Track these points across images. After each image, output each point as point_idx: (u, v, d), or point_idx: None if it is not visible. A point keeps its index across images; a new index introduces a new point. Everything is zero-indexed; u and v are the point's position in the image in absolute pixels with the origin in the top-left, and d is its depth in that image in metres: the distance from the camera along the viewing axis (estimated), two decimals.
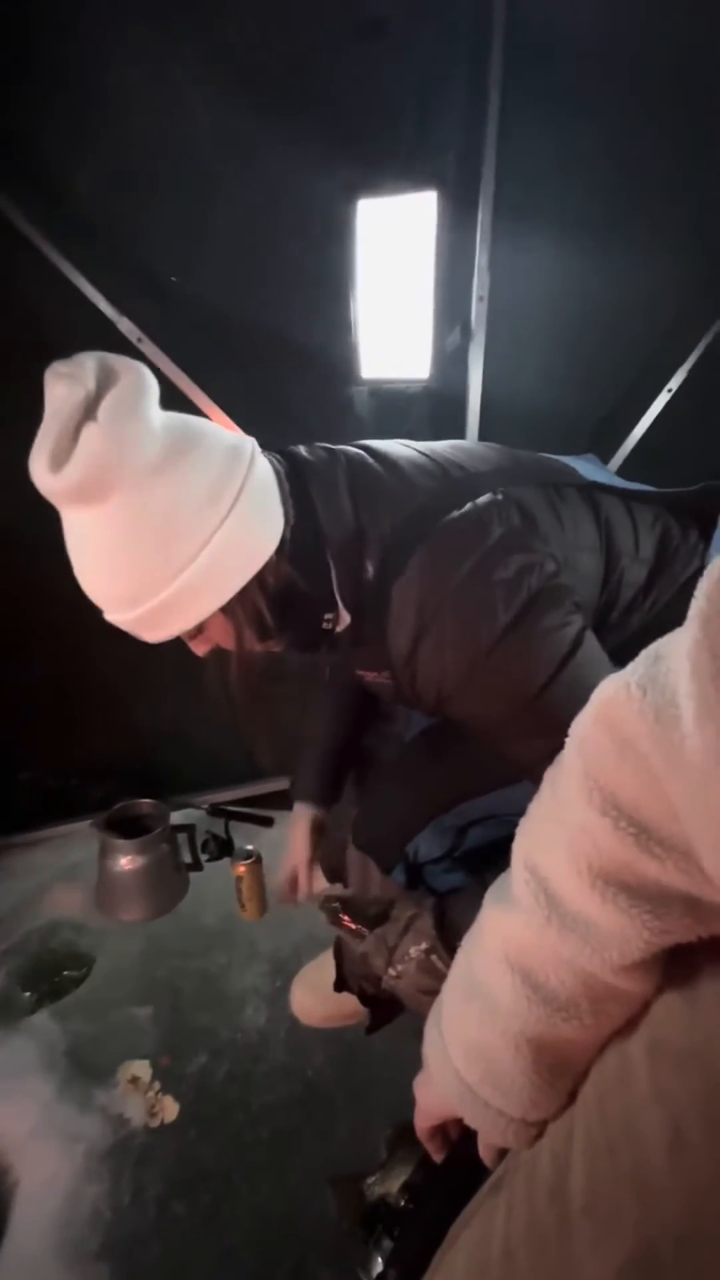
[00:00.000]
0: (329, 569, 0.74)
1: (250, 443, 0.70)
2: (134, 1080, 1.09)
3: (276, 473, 0.72)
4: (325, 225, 1.28)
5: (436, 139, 1.26)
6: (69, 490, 0.61)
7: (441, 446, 0.83)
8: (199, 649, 0.75)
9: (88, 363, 0.61)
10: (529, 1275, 0.39)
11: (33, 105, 1.14)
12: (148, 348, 1.26)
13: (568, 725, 0.40)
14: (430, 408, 1.46)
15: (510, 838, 0.46)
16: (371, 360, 1.40)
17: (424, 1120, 0.55)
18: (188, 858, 1.49)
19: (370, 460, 0.78)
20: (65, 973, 1.29)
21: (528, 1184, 0.42)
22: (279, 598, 0.72)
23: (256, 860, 1.33)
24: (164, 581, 0.64)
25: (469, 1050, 0.46)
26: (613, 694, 0.35)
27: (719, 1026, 0.34)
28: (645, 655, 0.35)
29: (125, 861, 1.37)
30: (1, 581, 1.39)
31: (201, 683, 0.78)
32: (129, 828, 1.42)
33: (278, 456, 0.75)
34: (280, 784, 1.64)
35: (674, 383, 1.43)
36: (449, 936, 0.77)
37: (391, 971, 0.80)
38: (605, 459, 1.47)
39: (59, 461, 0.60)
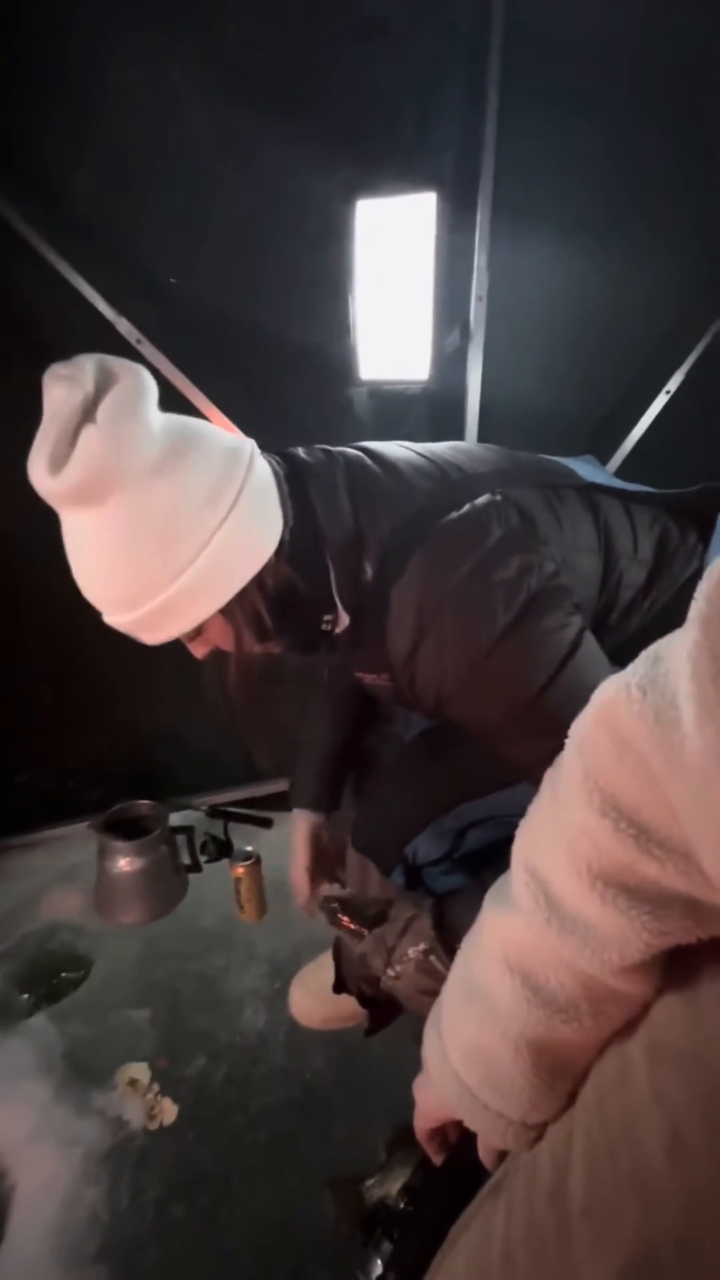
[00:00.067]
0: (328, 570, 0.74)
1: (249, 444, 0.70)
2: (132, 1083, 1.09)
3: (275, 474, 0.72)
4: (324, 226, 1.28)
5: (435, 139, 1.26)
6: (68, 492, 0.61)
7: (440, 448, 0.83)
8: (198, 651, 0.75)
9: (86, 365, 0.61)
10: (529, 1278, 0.39)
11: (31, 105, 1.14)
12: (146, 349, 1.26)
13: (567, 726, 0.40)
14: (429, 409, 1.46)
15: (510, 839, 0.46)
16: (370, 361, 1.40)
17: (423, 1122, 0.55)
18: (186, 859, 1.49)
19: (369, 462, 0.78)
20: (63, 975, 1.28)
21: (527, 1186, 0.42)
22: (278, 599, 0.72)
23: (255, 862, 1.33)
24: (163, 583, 0.64)
25: (468, 1052, 0.46)
26: (613, 695, 0.35)
27: (719, 1028, 0.34)
28: (645, 657, 0.35)
29: (124, 863, 1.37)
30: None
31: (200, 684, 0.78)
32: (127, 829, 1.41)
33: (277, 458, 0.75)
34: (279, 785, 1.64)
35: (672, 384, 1.43)
36: (448, 937, 0.76)
37: (390, 972, 0.80)
38: (604, 460, 1.47)
39: (58, 464, 0.60)
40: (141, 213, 1.24)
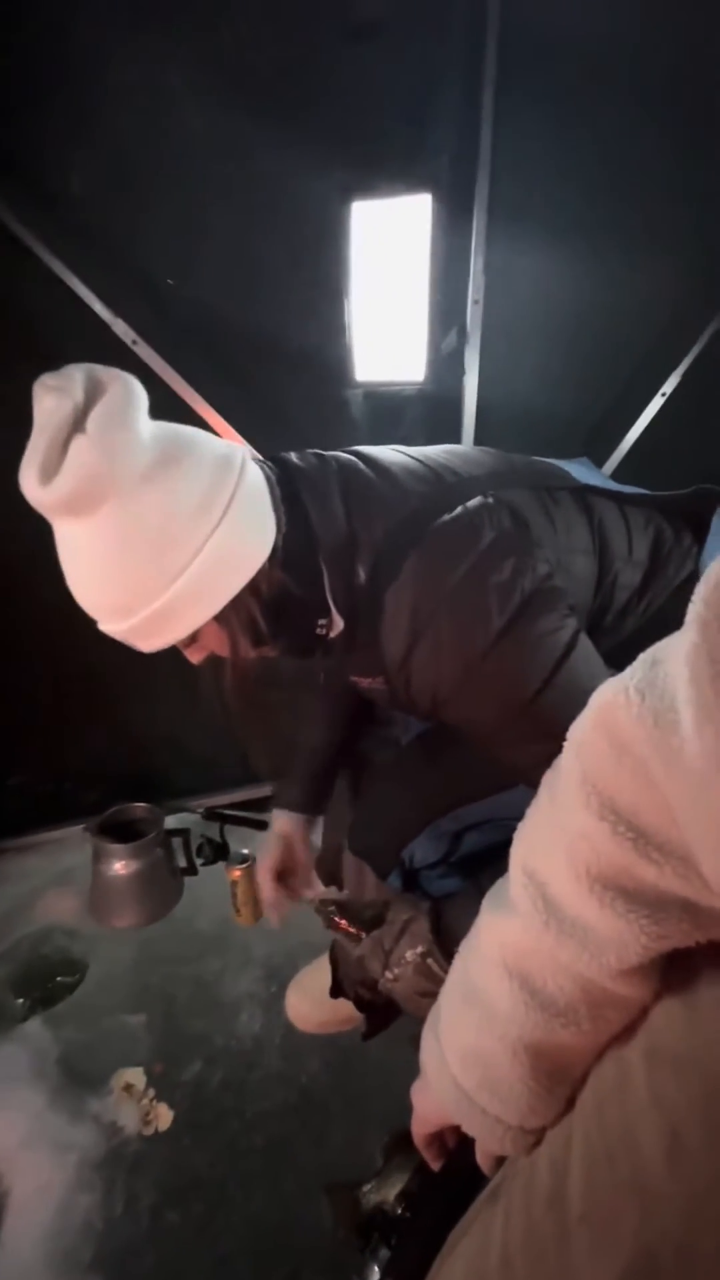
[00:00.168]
0: (322, 575, 0.73)
1: (241, 450, 0.70)
2: (128, 1088, 1.08)
3: (268, 479, 0.72)
4: (320, 227, 1.28)
5: (431, 141, 1.26)
6: (59, 502, 0.61)
7: (434, 451, 0.83)
8: (194, 656, 0.75)
9: (75, 375, 0.61)
10: None
11: (27, 106, 1.14)
12: (142, 350, 1.26)
13: (564, 729, 0.40)
14: (425, 410, 1.46)
15: (507, 843, 0.45)
16: (366, 363, 1.40)
17: (421, 1127, 0.55)
18: (182, 862, 1.48)
19: (362, 466, 0.78)
20: (58, 979, 1.28)
21: (526, 1192, 0.42)
22: (272, 605, 0.71)
23: (252, 865, 1.32)
24: (157, 591, 0.64)
25: (466, 1056, 0.46)
26: (611, 698, 0.35)
27: (717, 1032, 0.34)
28: (643, 659, 0.35)
29: (119, 866, 1.36)
30: None
31: (196, 687, 0.77)
32: (123, 832, 1.41)
33: (269, 463, 0.75)
34: (275, 788, 1.64)
35: (668, 386, 1.44)
36: (445, 940, 0.76)
37: (388, 975, 0.79)
38: (600, 462, 1.47)
39: (48, 474, 0.60)
40: (137, 213, 1.24)
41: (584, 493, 0.86)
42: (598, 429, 1.52)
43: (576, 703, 0.39)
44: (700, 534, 0.91)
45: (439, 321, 1.36)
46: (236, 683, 0.75)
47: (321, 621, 0.76)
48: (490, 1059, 0.44)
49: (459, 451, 0.85)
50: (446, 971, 0.51)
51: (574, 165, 1.29)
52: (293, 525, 0.72)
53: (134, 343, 1.25)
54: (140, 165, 1.21)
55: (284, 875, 1.06)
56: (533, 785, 0.45)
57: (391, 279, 1.32)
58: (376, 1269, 0.82)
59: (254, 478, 0.70)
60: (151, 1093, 1.08)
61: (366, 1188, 0.90)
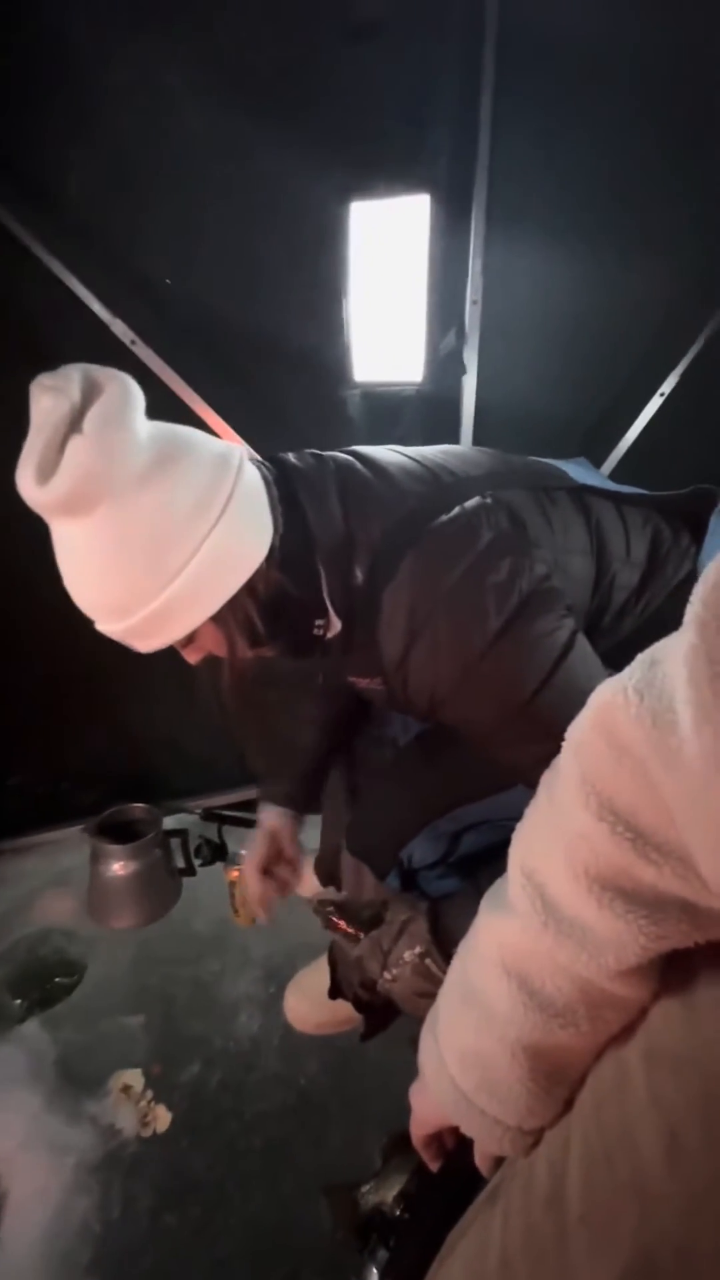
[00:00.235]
0: (319, 575, 0.73)
1: (238, 451, 0.70)
2: (125, 1090, 1.08)
3: (265, 480, 0.72)
4: (319, 227, 1.28)
5: (430, 143, 1.26)
6: (56, 503, 0.61)
7: (431, 451, 0.83)
8: (191, 657, 0.75)
9: (72, 375, 0.61)
10: None
11: (26, 106, 1.14)
12: (141, 350, 1.26)
13: (561, 729, 0.40)
14: (423, 411, 1.46)
15: (506, 843, 0.45)
16: (365, 363, 1.40)
17: (419, 1128, 0.55)
18: (180, 863, 1.48)
19: (359, 466, 0.78)
20: (56, 980, 1.27)
21: (525, 1193, 0.42)
22: (269, 605, 0.71)
23: None
24: (154, 592, 0.64)
25: (465, 1057, 0.46)
26: (610, 699, 0.35)
27: (716, 1033, 0.34)
28: (641, 660, 0.35)
29: (117, 867, 1.36)
30: None
31: (194, 687, 0.77)
32: (121, 833, 1.40)
33: (266, 464, 0.75)
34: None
35: (666, 386, 1.44)
36: (443, 940, 0.76)
37: (387, 975, 0.79)
38: (598, 462, 1.47)
39: (45, 474, 0.60)
40: (136, 213, 1.24)
41: (581, 493, 0.86)
42: (596, 429, 1.52)
43: (574, 703, 0.39)
44: (698, 534, 0.91)
45: (437, 322, 1.36)
46: (234, 683, 0.75)
47: (319, 622, 0.76)
48: (489, 1060, 0.44)
49: (456, 452, 0.85)
50: (445, 972, 0.51)
51: (572, 167, 1.29)
52: (290, 526, 0.72)
53: (132, 343, 1.25)
54: (139, 165, 1.21)
55: (271, 871, 1.05)
56: (531, 785, 0.45)
57: (390, 279, 1.32)
58: (375, 1270, 0.82)
59: (251, 478, 0.70)
60: (150, 1094, 1.08)
61: (365, 1189, 0.90)
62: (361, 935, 0.83)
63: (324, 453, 0.80)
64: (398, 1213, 0.85)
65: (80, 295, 1.22)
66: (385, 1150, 0.97)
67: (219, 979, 1.28)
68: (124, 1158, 1.00)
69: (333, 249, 1.29)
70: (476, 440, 1.44)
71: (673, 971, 0.38)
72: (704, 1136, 0.32)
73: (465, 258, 1.31)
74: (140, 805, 1.47)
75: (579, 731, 0.38)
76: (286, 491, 0.73)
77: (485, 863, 0.87)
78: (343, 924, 0.85)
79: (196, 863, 1.50)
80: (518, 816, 0.45)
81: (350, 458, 0.79)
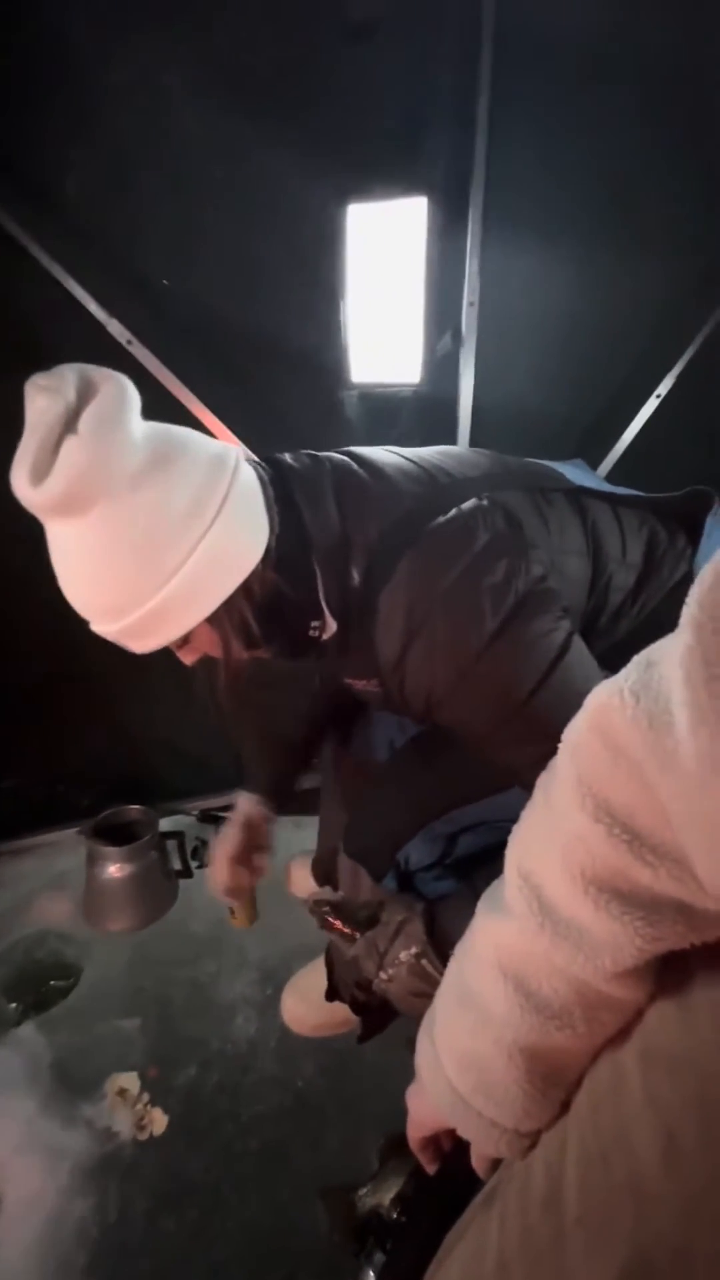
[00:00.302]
0: (315, 577, 0.73)
1: (234, 451, 0.70)
2: (122, 1093, 1.08)
3: (261, 480, 0.72)
4: (316, 229, 1.28)
5: (427, 145, 1.27)
6: (51, 503, 0.61)
7: (428, 453, 0.83)
8: (186, 658, 0.75)
9: (68, 375, 0.61)
10: None
11: (23, 106, 1.13)
12: (137, 350, 1.26)
13: (558, 731, 0.40)
14: (420, 412, 1.47)
15: (502, 845, 0.45)
16: (362, 364, 1.40)
17: (416, 1131, 0.55)
18: (177, 865, 1.48)
19: (356, 467, 0.78)
20: (51, 983, 1.27)
21: (521, 1195, 0.42)
22: (265, 607, 0.71)
23: None
24: (149, 593, 0.64)
25: (461, 1059, 0.46)
26: (606, 700, 0.35)
27: (712, 1033, 0.34)
28: (637, 661, 0.35)
29: (113, 869, 1.35)
30: None
31: (190, 688, 0.77)
32: (117, 835, 1.40)
33: (262, 464, 0.75)
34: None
35: (662, 388, 1.45)
36: (439, 941, 0.76)
37: (383, 975, 0.79)
38: (595, 464, 1.48)
39: (40, 474, 0.60)
40: (134, 214, 1.24)
41: (578, 494, 0.87)
42: (592, 431, 1.53)
43: (571, 705, 0.39)
44: (694, 536, 0.91)
45: (434, 323, 1.37)
46: (230, 684, 0.75)
47: (315, 623, 0.76)
48: (485, 1062, 0.44)
49: (453, 453, 0.85)
50: (440, 972, 0.51)
51: (569, 170, 1.30)
52: (286, 526, 0.72)
53: (129, 343, 1.25)
54: (137, 166, 1.21)
55: (243, 861, 1.05)
56: (527, 787, 0.45)
57: (387, 281, 1.33)
58: (372, 1274, 0.82)
59: (247, 479, 0.70)
60: (146, 1097, 1.07)
61: (362, 1192, 0.90)
62: (357, 935, 0.83)
63: (320, 454, 0.80)
64: (394, 1215, 0.84)
65: (77, 295, 1.22)
66: (382, 1153, 0.96)
67: (216, 981, 1.27)
68: (120, 1161, 0.99)
69: (330, 250, 1.30)
70: (473, 441, 1.45)
71: (669, 973, 0.38)
72: (700, 1137, 0.32)
73: (462, 260, 1.31)
74: (137, 807, 1.47)
75: (575, 733, 0.38)
76: (283, 492, 0.73)
77: (482, 864, 0.87)
78: (339, 924, 0.85)
79: (193, 864, 1.50)
80: (515, 818, 0.45)
81: (347, 459, 0.79)
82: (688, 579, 0.88)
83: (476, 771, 0.80)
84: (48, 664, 1.46)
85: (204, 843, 1.51)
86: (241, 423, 1.34)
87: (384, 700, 0.85)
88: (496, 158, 1.26)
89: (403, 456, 0.81)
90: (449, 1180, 0.56)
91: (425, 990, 0.76)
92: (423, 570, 0.71)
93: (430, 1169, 0.57)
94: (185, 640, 0.71)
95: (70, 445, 0.59)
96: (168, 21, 1.13)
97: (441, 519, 0.72)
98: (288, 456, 0.78)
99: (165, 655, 0.73)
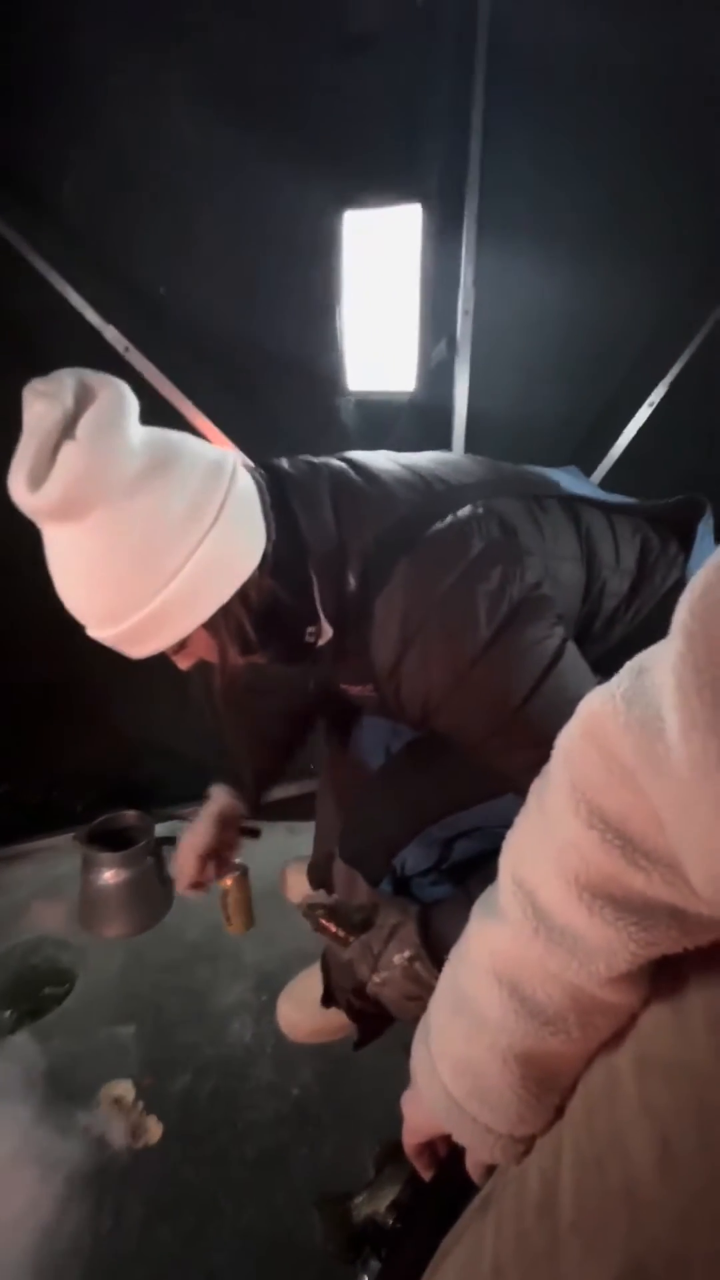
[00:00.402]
0: (311, 582, 0.74)
1: (232, 457, 0.70)
2: (116, 1101, 1.07)
3: (258, 486, 0.72)
4: (311, 237, 1.29)
5: (422, 153, 1.28)
6: (48, 508, 0.61)
7: (424, 459, 0.84)
8: (182, 663, 0.75)
9: (66, 380, 0.61)
10: None
11: (22, 114, 1.14)
12: (134, 357, 1.26)
13: (552, 737, 0.41)
14: (416, 419, 1.47)
15: (498, 850, 0.46)
16: (358, 371, 1.41)
17: (412, 1137, 0.55)
18: (173, 871, 1.47)
19: (352, 473, 0.78)
20: (46, 990, 1.26)
21: (516, 1201, 0.42)
22: (262, 612, 0.72)
23: (243, 873, 1.31)
24: (146, 598, 0.64)
25: (456, 1065, 0.46)
26: (599, 707, 0.35)
27: (706, 1038, 0.34)
28: (630, 668, 0.36)
29: (109, 875, 1.35)
30: None
31: (186, 693, 0.77)
32: (113, 841, 1.40)
33: (260, 470, 0.76)
34: (269, 795, 1.63)
35: (655, 396, 1.46)
36: (433, 945, 0.76)
37: (376, 978, 0.79)
38: (588, 471, 1.49)
39: (38, 480, 0.60)
40: (130, 221, 1.25)
41: (572, 501, 0.87)
42: (586, 438, 1.54)
43: (564, 710, 0.39)
44: (686, 543, 0.92)
45: (429, 331, 1.38)
46: (226, 689, 0.75)
47: (311, 629, 0.76)
48: (480, 1067, 0.44)
49: (449, 460, 0.86)
50: (434, 976, 0.52)
51: (562, 178, 1.31)
52: (283, 533, 0.72)
53: (126, 350, 1.26)
54: (134, 173, 1.22)
55: (211, 856, 1.05)
56: (522, 793, 0.45)
57: (382, 289, 1.34)
58: None
59: (244, 484, 0.70)
60: (141, 1105, 1.07)
61: (358, 1200, 0.89)
62: (351, 938, 0.83)
63: (317, 459, 0.81)
64: (390, 1222, 0.84)
65: (74, 303, 1.22)
66: (378, 1160, 0.96)
67: (211, 987, 1.27)
68: (115, 1170, 0.99)
69: (326, 258, 1.31)
70: (469, 448, 1.45)
71: (663, 978, 0.38)
72: (695, 1143, 0.32)
73: (457, 268, 1.33)
74: (132, 812, 1.46)
75: (569, 739, 0.38)
76: (280, 498, 0.73)
77: (477, 869, 0.87)
78: (332, 927, 0.84)
79: None
80: (510, 823, 0.46)
81: (344, 464, 0.80)
82: (680, 585, 0.89)
83: (473, 776, 0.81)
84: (42, 668, 1.45)
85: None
86: (238, 430, 1.35)
87: (379, 706, 0.85)
88: (491, 165, 1.27)
89: (399, 463, 0.82)
90: (445, 1186, 0.56)
91: (419, 993, 0.76)
92: (418, 576, 0.71)
93: (426, 1175, 0.57)
94: (181, 645, 0.71)
95: (68, 450, 0.60)
96: (166, 29, 1.14)
97: (438, 526, 0.73)
98: (284, 462, 0.79)
99: (161, 660, 0.74)
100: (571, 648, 0.72)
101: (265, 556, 0.70)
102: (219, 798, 1.07)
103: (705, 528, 0.92)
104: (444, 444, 1.45)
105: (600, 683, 0.37)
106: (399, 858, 0.92)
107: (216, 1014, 1.22)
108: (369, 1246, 0.84)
